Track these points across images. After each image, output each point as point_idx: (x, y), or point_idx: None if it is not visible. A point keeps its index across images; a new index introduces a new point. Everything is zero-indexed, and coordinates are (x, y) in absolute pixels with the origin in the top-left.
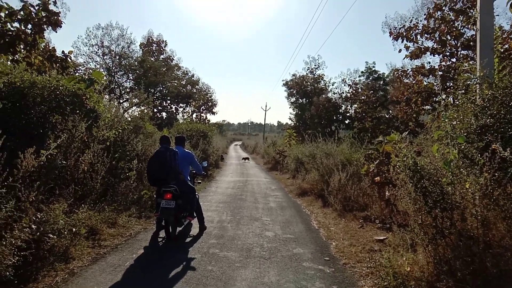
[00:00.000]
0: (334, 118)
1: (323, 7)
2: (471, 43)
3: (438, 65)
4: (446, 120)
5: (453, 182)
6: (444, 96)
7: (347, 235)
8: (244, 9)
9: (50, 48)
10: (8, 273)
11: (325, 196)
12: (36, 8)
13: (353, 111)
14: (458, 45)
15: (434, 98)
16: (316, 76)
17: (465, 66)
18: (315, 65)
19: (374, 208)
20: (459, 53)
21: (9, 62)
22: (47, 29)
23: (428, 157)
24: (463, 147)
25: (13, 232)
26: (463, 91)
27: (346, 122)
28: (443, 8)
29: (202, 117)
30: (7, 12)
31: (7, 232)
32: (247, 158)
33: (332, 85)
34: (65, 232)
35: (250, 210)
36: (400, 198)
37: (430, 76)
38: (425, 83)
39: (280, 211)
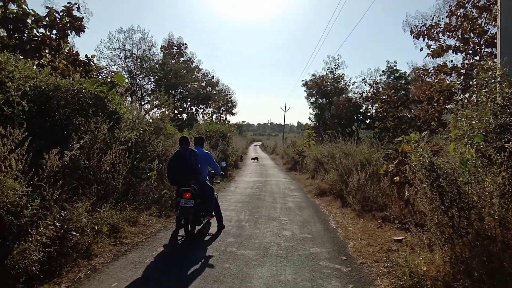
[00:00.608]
0: (355, 118)
1: (342, 6)
2: (495, 40)
3: (461, 63)
4: (463, 119)
5: (470, 182)
6: (463, 95)
7: (365, 235)
8: (263, 8)
9: (74, 52)
10: (34, 268)
11: (344, 196)
12: (61, 14)
13: (374, 111)
14: (482, 42)
15: (457, 97)
16: (336, 76)
17: (489, 63)
18: (335, 65)
19: (393, 208)
20: (482, 51)
21: (34, 66)
22: (71, 34)
23: (445, 156)
24: (481, 146)
25: (39, 229)
26: (485, 89)
27: (367, 122)
28: (466, 5)
29: (221, 118)
30: (33, 18)
31: (33, 229)
32: (257, 158)
33: (353, 84)
34: (88, 230)
35: (268, 209)
36: (418, 198)
37: (453, 74)
38: (447, 82)
39: (298, 211)
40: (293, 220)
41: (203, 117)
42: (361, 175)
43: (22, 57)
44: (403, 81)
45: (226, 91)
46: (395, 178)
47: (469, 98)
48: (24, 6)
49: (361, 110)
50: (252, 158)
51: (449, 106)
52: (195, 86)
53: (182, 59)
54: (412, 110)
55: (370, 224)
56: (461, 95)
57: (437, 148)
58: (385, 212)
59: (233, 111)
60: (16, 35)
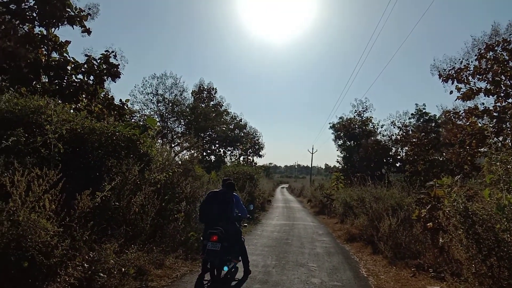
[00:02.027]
0: (384, 160)
1: (369, 51)
2: None
3: (493, 106)
4: (498, 163)
5: (508, 229)
6: (497, 138)
7: (398, 284)
8: (290, 53)
9: (109, 96)
10: None
11: (375, 242)
12: (98, 61)
13: (404, 154)
14: None
15: (490, 140)
16: (364, 118)
17: None
18: (362, 108)
19: (427, 255)
20: None
21: (71, 110)
22: (107, 79)
23: (480, 201)
24: None
25: (67, 269)
26: None
27: (397, 165)
28: (496, 48)
29: (249, 160)
30: (73, 65)
31: (62, 269)
32: (269, 201)
33: (381, 127)
34: (115, 272)
35: (296, 255)
36: (453, 245)
37: (485, 117)
38: (479, 125)
39: (327, 257)
40: (322, 266)
41: (231, 159)
42: (392, 220)
43: (60, 102)
44: (433, 124)
45: (254, 134)
46: (428, 224)
47: (503, 141)
48: (65, 55)
49: (390, 153)
50: (267, 200)
51: (482, 149)
52: (224, 128)
53: (212, 103)
54: (444, 154)
55: (403, 273)
56: (494, 138)
57: (471, 193)
58: (419, 260)
59: (260, 153)
60: (57, 81)
